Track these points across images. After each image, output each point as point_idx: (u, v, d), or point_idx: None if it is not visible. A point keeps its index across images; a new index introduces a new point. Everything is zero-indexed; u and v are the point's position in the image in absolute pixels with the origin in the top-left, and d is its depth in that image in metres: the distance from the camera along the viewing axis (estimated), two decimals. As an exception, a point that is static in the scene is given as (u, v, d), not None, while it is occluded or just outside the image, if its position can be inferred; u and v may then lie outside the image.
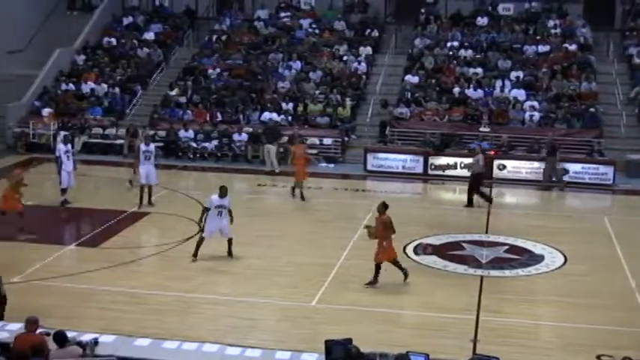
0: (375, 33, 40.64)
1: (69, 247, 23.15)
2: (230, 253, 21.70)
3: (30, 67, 39.83)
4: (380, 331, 17.26)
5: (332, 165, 33.18)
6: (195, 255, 21.55)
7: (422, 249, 23.01)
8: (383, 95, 36.41)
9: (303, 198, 27.99)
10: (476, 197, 27.78)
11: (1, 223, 23.30)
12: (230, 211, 21.51)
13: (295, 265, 21.35)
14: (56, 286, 19.85)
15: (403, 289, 20.02)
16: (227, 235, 21.64)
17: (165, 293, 19.54)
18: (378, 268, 19.85)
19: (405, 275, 20.08)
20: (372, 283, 19.85)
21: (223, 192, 21.53)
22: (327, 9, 42.59)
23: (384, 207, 19.95)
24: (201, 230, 21.91)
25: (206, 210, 21.64)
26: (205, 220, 21.59)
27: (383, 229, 19.76)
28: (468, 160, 29.97)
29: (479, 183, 27.98)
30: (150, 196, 26.63)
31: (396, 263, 20.07)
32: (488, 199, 27.99)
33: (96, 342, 14.07)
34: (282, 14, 42.29)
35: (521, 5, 41.77)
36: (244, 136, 33.75)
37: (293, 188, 28.34)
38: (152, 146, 27.20)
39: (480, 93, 35.89)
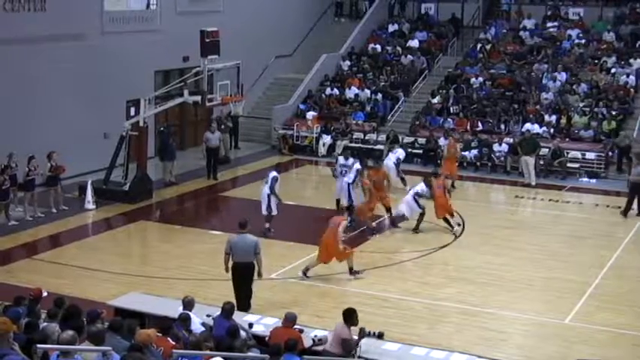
0: (647, 45, 39.13)
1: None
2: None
3: (296, 71, 41.20)
4: (636, 357, 16.59)
5: (594, 180, 32.16)
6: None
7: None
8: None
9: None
10: None
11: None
12: None
13: (549, 279, 20.89)
14: (309, 284, 20.37)
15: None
16: None
17: (416, 299, 19.64)
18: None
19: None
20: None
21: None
22: (597, 20, 41.37)
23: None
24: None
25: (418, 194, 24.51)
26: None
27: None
28: None
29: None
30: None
31: None
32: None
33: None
34: (549, 24, 41.47)
35: None
36: (505, 147, 33.28)
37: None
38: (351, 161, 26.21)
39: None
